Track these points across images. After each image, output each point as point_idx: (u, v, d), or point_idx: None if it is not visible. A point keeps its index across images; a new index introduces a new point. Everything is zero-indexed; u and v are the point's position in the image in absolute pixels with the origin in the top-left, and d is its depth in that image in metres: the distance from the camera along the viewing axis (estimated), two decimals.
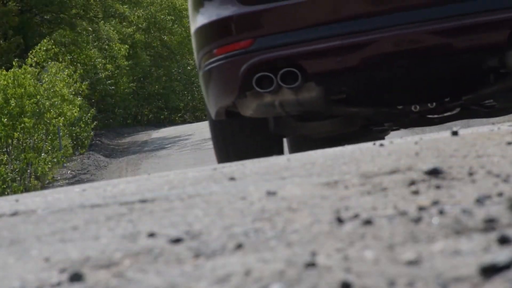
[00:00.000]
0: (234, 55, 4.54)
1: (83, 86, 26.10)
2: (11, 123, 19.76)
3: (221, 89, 4.59)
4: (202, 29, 4.64)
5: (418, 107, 4.73)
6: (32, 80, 20.31)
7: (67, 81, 24.25)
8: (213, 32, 4.55)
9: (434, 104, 4.56)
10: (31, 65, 22.73)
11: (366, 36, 4.15)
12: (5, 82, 19.84)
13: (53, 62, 25.20)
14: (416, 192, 3.33)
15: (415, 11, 4.04)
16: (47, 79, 22.10)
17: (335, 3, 4.15)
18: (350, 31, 4.16)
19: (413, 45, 4.08)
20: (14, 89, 19.73)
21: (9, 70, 20.40)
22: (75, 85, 26.14)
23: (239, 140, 4.57)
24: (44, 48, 25.63)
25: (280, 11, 4.28)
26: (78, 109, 24.18)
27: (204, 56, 4.79)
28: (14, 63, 21.23)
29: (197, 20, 4.64)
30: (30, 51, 25.92)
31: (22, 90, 19.78)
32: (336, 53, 4.25)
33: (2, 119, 19.37)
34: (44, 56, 25.13)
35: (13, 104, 19.57)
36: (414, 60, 4.18)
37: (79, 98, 25.34)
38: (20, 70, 20.33)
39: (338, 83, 4.29)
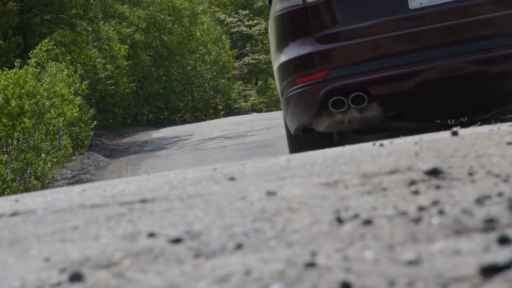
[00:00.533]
0: (313, 83, 5.57)
1: (82, 86, 26.09)
2: (11, 123, 19.76)
3: (301, 110, 5.61)
4: (286, 64, 5.71)
5: (453, 121, 5.74)
6: (32, 80, 20.32)
7: (66, 81, 24.25)
8: (296, 66, 5.62)
9: (466, 118, 5.56)
10: (28, 64, 22.75)
11: (418, 66, 5.29)
12: (6, 82, 19.85)
13: (53, 63, 25.20)
14: (416, 192, 3.33)
15: (455, 46, 5.20)
16: (47, 80, 22.10)
17: (394, 41, 5.31)
18: (406, 62, 5.28)
19: (454, 73, 5.21)
20: (14, 89, 19.74)
21: (10, 70, 20.39)
22: (75, 85, 26.13)
23: (309, 150, 5.38)
24: (44, 49, 25.65)
25: (350, 48, 5.37)
26: (77, 109, 24.17)
27: (287, 85, 5.80)
28: (16, 64, 21.23)
29: (281, 57, 5.72)
30: (31, 51, 25.93)
31: (22, 90, 19.79)
32: (395, 80, 5.35)
33: (2, 119, 19.37)
34: (45, 57, 25.15)
35: (13, 104, 19.58)
36: (454, 84, 5.24)
37: (79, 98, 25.33)
38: (21, 71, 20.34)
39: (394, 103, 5.32)
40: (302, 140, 6.13)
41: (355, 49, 5.50)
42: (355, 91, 5.44)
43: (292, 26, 5.64)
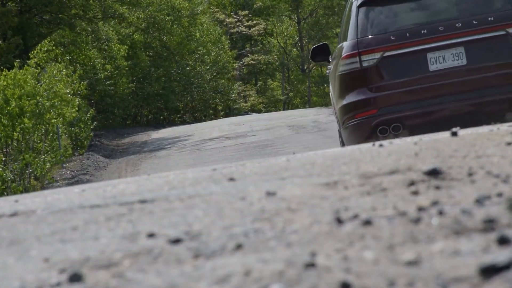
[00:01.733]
0: (367, 117, 8.01)
1: (82, 86, 26.09)
2: (10, 123, 19.76)
3: (358, 134, 8.02)
4: (347, 105, 8.12)
5: None
6: (32, 80, 20.31)
7: (65, 81, 24.24)
8: (355, 106, 8.03)
9: None
10: (28, 64, 22.74)
11: (434, 107, 7.81)
12: (5, 83, 19.85)
13: (53, 63, 25.19)
14: (415, 193, 3.33)
15: (458, 95, 7.74)
16: (46, 80, 22.09)
17: (419, 91, 7.79)
18: (427, 105, 7.81)
19: (458, 112, 7.75)
20: (13, 90, 19.74)
21: (10, 71, 20.39)
22: (74, 85, 26.13)
23: None
24: (44, 49, 25.64)
25: (391, 95, 7.91)
26: (76, 108, 24.15)
27: (347, 118, 8.18)
28: (15, 64, 21.23)
29: (344, 101, 8.15)
30: (31, 52, 25.91)
31: (22, 90, 19.78)
32: (419, 116, 7.82)
33: (2, 120, 19.37)
34: (45, 57, 25.15)
35: (13, 105, 19.57)
36: (458, 119, 7.46)
37: (78, 98, 25.31)
38: (21, 71, 20.34)
39: (418, 130, 7.20)
40: None
41: (394, 96, 8.04)
42: (395, 123, 7.98)
43: (353, 81, 8.11)
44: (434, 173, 3.69)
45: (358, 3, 8.14)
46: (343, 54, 8.14)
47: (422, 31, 7.91)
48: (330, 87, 9.45)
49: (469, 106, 7.84)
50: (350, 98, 8.13)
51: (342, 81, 8.22)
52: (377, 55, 7.93)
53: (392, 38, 7.95)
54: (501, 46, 7.76)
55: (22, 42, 31.39)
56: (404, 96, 7.99)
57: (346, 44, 8.16)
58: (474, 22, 7.80)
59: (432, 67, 8.00)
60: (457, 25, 7.86)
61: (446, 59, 7.86)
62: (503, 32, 7.74)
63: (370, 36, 8.03)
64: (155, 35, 48.57)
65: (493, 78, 7.85)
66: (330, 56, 9.53)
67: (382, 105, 8.02)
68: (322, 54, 9.50)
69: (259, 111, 58.46)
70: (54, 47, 26.58)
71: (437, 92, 7.94)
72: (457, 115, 7.83)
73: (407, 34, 7.96)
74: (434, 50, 7.93)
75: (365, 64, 7.97)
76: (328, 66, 9.71)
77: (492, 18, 7.81)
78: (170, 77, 48.97)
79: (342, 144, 8.96)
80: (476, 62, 7.88)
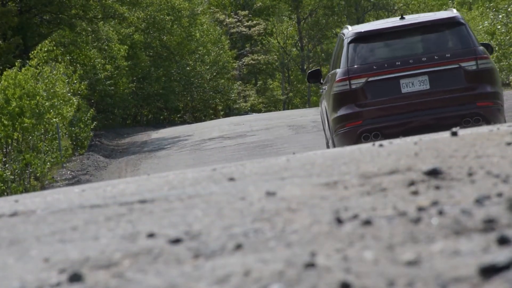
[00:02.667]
0: (354, 127, 9.97)
1: (82, 86, 26.07)
2: (11, 123, 19.75)
3: (347, 140, 9.87)
4: (339, 117, 10.07)
5: None
6: (32, 80, 20.31)
7: (64, 80, 24.23)
8: (345, 118, 10.01)
9: None
10: (29, 64, 22.73)
11: (404, 120, 9.80)
12: (6, 83, 19.84)
13: (53, 63, 25.18)
14: (415, 193, 3.33)
15: (424, 111, 9.78)
16: (46, 80, 22.09)
17: (393, 108, 9.76)
18: (400, 119, 9.73)
19: (426, 123, 9.72)
20: (14, 90, 19.73)
21: (11, 70, 20.39)
22: (74, 84, 26.13)
23: None
24: (45, 49, 25.64)
25: (372, 111, 9.86)
26: (75, 107, 24.14)
27: (339, 127, 10.14)
28: (16, 64, 21.21)
29: (336, 114, 10.10)
30: (31, 52, 25.90)
31: (22, 90, 19.77)
32: (394, 127, 9.77)
33: (2, 119, 19.37)
34: (45, 57, 25.13)
35: (13, 104, 19.57)
36: (424, 129, 9.12)
37: (78, 98, 25.32)
38: (22, 71, 20.35)
39: (393, 137, 8.11)
40: None
41: (375, 111, 10.04)
42: (375, 131, 10.00)
43: (344, 98, 10.15)
44: (434, 173, 3.69)
45: (348, 41, 10.35)
46: (337, 78, 10.30)
47: (397, 63, 10.18)
48: (323, 104, 11.65)
49: (431, 120, 10.04)
50: (342, 112, 10.23)
51: (335, 98, 10.35)
52: (363, 80, 10.16)
53: (374, 67, 10.18)
54: (455, 76, 10.07)
55: (22, 42, 31.38)
56: (382, 111, 10.15)
57: (339, 71, 10.35)
58: (435, 57, 10.13)
59: (404, 90, 10.21)
60: (422, 59, 10.13)
61: (414, 84, 10.17)
62: (457, 66, 10.07)
63: (357, 66, 10.22)
64: (155, 35, 48.57)
65: (449, 99, 10.06)
66: (322, 80, 12.06)
67: (366, 117, 10.15)
68: (316, 77, 12.06)
69: (259, 111, 58.45)
70: (54, 47, 26.58)
71: (407, 109, 10.12)
72: (422, 126, 9.90)
73: (385, 65, 10.20)
74: (405, 78, 10.17)
75: (353, 86, 10.18)
76: (322, 87, 11.85)
77: (449, 55, 10.12)
78: (170, 77, 48.96)
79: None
80: (436, 87, 10.10)
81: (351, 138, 9.92)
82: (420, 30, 10.33)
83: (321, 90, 12.11)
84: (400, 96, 10.04)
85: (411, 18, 10.76)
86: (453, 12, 10.55)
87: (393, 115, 9.99)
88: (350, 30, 10.52)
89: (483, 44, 10.57)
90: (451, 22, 10.27)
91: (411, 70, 10.03)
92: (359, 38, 10.28)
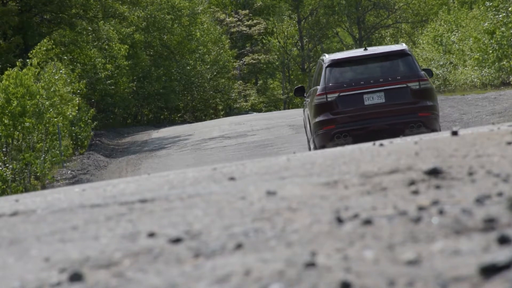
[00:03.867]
0: (329, 129, 12.75)
1: (81, 85, 26.05)
2: (11, 122, 19.74)
3: (323, 139, 12.84)
4: (318, 122, 12.83)
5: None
6: (32, 80, 20.30)
7: (64, 80, 24.21)
8: (323, 123, 12.81)
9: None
10: (31, 64, 22.70)
11: (366, 125, 12.76)
12: (7, 82, 19.82)
13: (53, 62, 25.15)
14: (415, 192, 3.33)
15: (381, 119, 12.77)
16: (46, 79, 22.07)
17: (358, 116, 12.68)
18: (362, 124, 12.71)
19: (382, 128, 12.76)
20: (16, 89, 19.72)
21: (12, 70, 20.37)
22: (73, 84, 26.10)
23: None
24: (44, 48, 25.60)
25: (342, 118, 12.69)
26: (76, 108, 24.12)
27: (318, 129, 12.92)
28: (17, 63, 21.18)
29: (316, 120, 12.90)
30: (30, 51, 25.86)
31: (24, 90, 19.77)
32: (358, 130, 12.69)
33: (3, 119, 19.35)
34: (44, 57, 25.09)
35: (14, 104, 19.56)
36: (381, 132, 12.42)
37: (78, 97, 25.30)
38: (24, 71, 20.33)
39: (357, 138, 11.93)
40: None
41: (344, 118, 12.87)
42: (344, 133, 12.86)
43: (321, 108, 13.04)
44: (434, 172, 3.69)
45: (326, 65, 13.46)
46: (317, 93, 13.30)
47: (361, 82, 13.17)
48: (305, 112, 14.82)
49: (385, 125, 13.01)
50: (320, 118, 13.16)
51: (315, 108, 13.29)
52: (336, 95, 13.17)
53: (344, 85, 13.20)
54: (403, 93, 13.13)
55: (22, 41, 31.38)
56: (350, 118, 13.03)
57: (319, 88, 13.38)
58: (389, 79, 13.18)
59: (366, 103, 13.15)
60: (380, 80, 13.18)
61: (374, 98, 13.17)
62: (405, 85, 13.16)
63: (331, 84, 13.25)
64: (156, 35, 48.57)
65: (398, 110, 13.03)
66: (305, 93, 15.03)
67: (338, 123, 13.02)
68: (300, 92, 15.07)
69: (259, 111, 58.45)
70: (54, 46, 26.56)
71: (368, 117, 13.04)
72: (379, 130, 12.94)
73: (352, 84, 13.19)
74: (367, 93, 13.14)
75: (329, 99, 13.16)
76: (305, 99, 14.96)
77: (399, 77, 13.21)
78: (171, 76, 48.96)
79: (309, 148, 14.55)
80: (390, 101, 13.10)
81: (327, 138, 13.08)
82: (379, 58, 13.58)
83: (304, 102, 15.25)
84: (363, 107, 13.10)
85: (372, 49, 14.04)
86: (402, 46, 13.96)
87: (358, 121, 13.05)
88: (327, 58, 13.71)
89: (424, 69, 13.86)
90: (401, 53, 13.57)
91: (371, 88, 13.15)
92: (334, 63, 13.47)
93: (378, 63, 13.40)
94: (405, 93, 12.92)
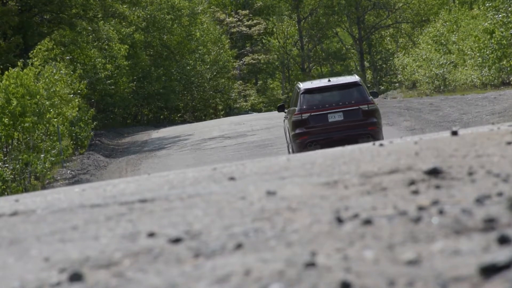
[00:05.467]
0: (303, 139, 16.83)
1: (82, 86, 26.04)
2: (11, 122, 19.74)
3: (299, 147, 16.99)
4: (295, 134, 16.96)
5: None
6: (33, 80, 20.29)
7: (65, 80, 24.19)
8: (299, 135, 16.93)
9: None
10: (32, 64, 22.68)
11: (330, 137, 16.87)
12: (7, 82, 19.82)
13: (53, 62, 25.12)
14: (415, 192, 3.33)
15: (341, 132, 16.95)
16: (46, 79, 22.06)
17: (323, 130, 16.95)
18: (327, 136, 16.84)
19: (341, 138, 16.64)
20: (16, 89, 19.71)
21: (13, 70, 20.36)
22: (74, 84, 26.09)
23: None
24: (44, 48, 25.59)
25: (313, 131, 16.89)
26: (76, 108, 24.11)
27: (295, 139, 16.99)
28: (18, 64, 21.16)
29: (294, 132, 17.02)
30: (31, 51, 25.84)
31: (24, 90, 19.76)
32: (324, 140, 16.75)
33: (3, 119, 19.35)
34: (44, 57, 25.07)
35: (14, 104, 19.55)
36: (342, 142, 15.79)
37: (78, 98, 25.28)
38: (25, 71, 20.33)
39: (324, 145, 15.64)
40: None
41: (314, 131, 16.77)
42: (314, 143, 16.58)
43: (297, 124, 16.84)
44: (434, 172, 3.69)
45: (301, 92, 17.44)
46: (295, 113, 17.20)
47: (326, 105, 17.20)
48: (285, 124, 19.05)
49: (344, 136, 16.78)
50: (297, 131, 17.04)
51: (293, 124, 17.21)
52: (308, 114, 17.11)
53: (314, 107, 17.19)
54: (356, 113, 17.08)
55: (22, 41, 31.37)
56: (318, 131, 16.90)
57: (296, 108, 17.23)
58: (346, 102, 17.28)
59: (330, 120, 17.03)
60: (340, 103, 17.26)
61: (335, 117, 17.09)
62: (357, 107, 17.09)
63: (305, 106, 17.22)
64: (155, 35, 48.57)
65: (353, 126, 16.89)
66: (285, 110, 19.10)
67: (309, 135, 16.90)
68: (282, 108, 19.11)
69: (259, 111, 58.42)
70: (54, 46, 26.55)
71: (331, 130, 16.94)
72: (339, 140, 16.50)
73: (320, 106, 17.19)
74: (330, 113, 17.11)
75: (303, 117, 17.05)
76: (286, 115, 18.93)
77: (353, 101, 17.30)
78: (171, 76, 48.96)
79: (288, 152, 18.44)
80: (347, 119, 16.94)
81: (302, 145, 16.92)
82: (338, 88, 17.74)
83: (284, 117, 19.54)
84: (327, 123, 17.08)
85: (334, 81, 18.13)
86: (356, 78, 18.13)
87: (324, 133, 16.99)
88: (302, 86, 17.84)
89: (371, 92, 18.29)
90: (355, 84, 17.78)
91: (334, 109, 17.22)
92: (307, 91, 17.56)
93: (338, 91, 17.73)
94: (358, 113, 17.19)
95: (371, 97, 17.57)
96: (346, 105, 17.18)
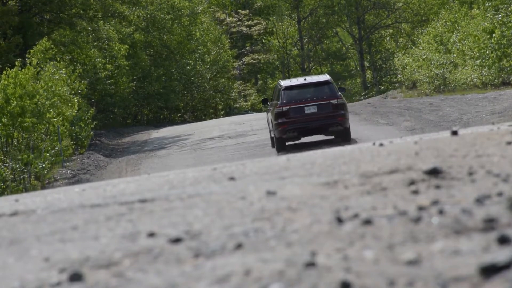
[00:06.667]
0: (284, 128, 20.33)
1: (82, 86, 26.03)
2: (11, 122, 19.75)
3: (280, 133, 20.44)
4: (277, 123, 20.37)
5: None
6: (32, 80, 20.29)
7: (65, 80, 24.19)
8: (280, 123, 20.31)
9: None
10: (30, 64, 22.67)
11: (306, 125, 20.43)
12: (6, 82, 19.81)
13: (52, 62, 25.11)
14: (415, 192, 3.34)
15: (316, 121, 20.51)
16: (46, 79, 22.05)
17: (301, 120, 20.46)
18: (304, 125, 20.40)
19: (315, 127, 20.49)
20: (15, 89, 19.72)
21: (11, 70, 20.34)
22: (74, 84, 26.08)
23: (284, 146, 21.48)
24: (42, 48, 25.55)
25: (292, 121, 20.26)
26: (76, 108, 24.11)
27: (277, 127, 20.47)
28: (17, 63, 21.16)
29: (277, 122, 20.40)
30: (28, 51, 25.80)
31: (23, 90, 19.76)
32: (301, 128, 20.43)
33: (2, 119, 19.35)
34: (43, 56, 25.05)
35: (13, 104, 19.55)
36: (316, 130, 20.67)
37: (78, 97, 25.26)
38: (23, 70, 20.32)
39: (302, 133, 20.47)
40: (280, 142, 20.87)
41: (293, 121, 20.18)
42: (293, 130, 20.20)
43: (279, 115, 20.38)
44: (434, 172, 3.69)
45: (282, 89, 20.63)
46: (277, 105, 20.32)
47: (303, 100, 20.28)
48: (269, 115, 21.94)
49: (317, 125, 20.04)
50: (279, 121, 20.05)
51: (276, 115, 20.26)
52: (288, 107, 20.15)
53: (292, 101, 20.33)
54: (328, 106, 20.17)
55: (22, 41, 31.36)
56: (296, 121, 19.97)
57: (278, 102, 20.40)
58: (319, 97, 20.27)
59: (306, 112, 20.16)
60: (314, 98, 20.32)
61: (310, 109, 20.17)
62: (328, 102, 20.23)
63: (285, 100, 20.33)
64: (155, 34, 48.56)
65: (325, 117, 20.05)
66: (269, 104, 22.42)
67: (289, 124, 19.93)
68: (265, 102, 22.96)
69: (259, 110, 58.40)
70: (52, 45, 26.54)
71: (307, 120, 20.03)
72: (313, 128, 20.08)
73: (298, 100, 20.34)
74: (306, 106, 20.18)
75: (284, 109, 20.10)
76: (269, 107, 22.14)
77: (325, 97, 20.31)
78: (171, 76, 48.95)
79: (272, 140, 21.69)
80: (320, 111, 20.04)
81: (283, 132, 20.14)
82: (313, 85, 21.03)
83: (268, 109, 22.48)
84: (304, 114, 20.25)
85: (309, 79, 21.57)
86: (327, 77, 21.58)
87: (301, 122, 20.13)
88: (282, 84, 21.13)
89: (340, 89, 21.84)
90: (327, 82, 21.07)
91: (309, 103, 20.42)
92: (287, 88, 20.82)
93: (313, 88, 21.03)
94: (329, 106, 20.36)
95: (339, 93, 20.89)
96: (319, 100, 20.48)
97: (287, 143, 20.80)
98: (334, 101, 20.48)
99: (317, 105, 20.35)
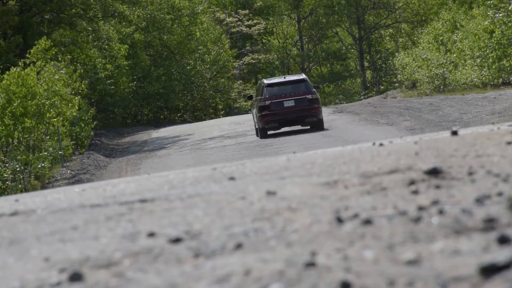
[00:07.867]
0: (266, 119, 23.98)
1: (82, 86, 26.01)
2: (12, 122, 19.73)
3: (263, 124, 24.04)
4: (261, 115, 24.03)
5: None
6: (33, 80, 20.28)
7: (65, 79, 24.18)
8: (263, 115, 23.96)
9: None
10: (34, 63, 22.66)
11: (285, 116, 24.03)
12: (8, 82, 19.79)
13: (52, 62, 25.09)
14: (415, 192, 3.34)
15: (293, 113, 24.00)
16: (46, 79, 22.03)
17: (280, 113, 24.10)
18: (284, 117, 24.02)
19: (293, 118, 24.00)
20: (18, 89, 19.69)
21: (14, 70, 20.33)
22: (74, 84, 26.06)
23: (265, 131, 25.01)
24: (41, 48, 25.52)
25: (273, 114, 24.01)
26: (76, 108, 24.10)
27: (260, 119, 24.12)
28: (20, 63, 21.12)
29: (261, 114, 24.04)
30: (28, 51, 25.76)
31: (26, 90, 19.74)
32: (281, 119, 24.04)
33: (4, 119, 19.33)
34: (42, 56, 25.04)
35: (15, 104, 19.53)
36: (294, 121, 24.21)
37: (78, 97, 25.23)
38: (26, 70, 20.29)
39: (281, 124, 24.17)
40: (263, 131, 24.40)
41: (274, 113, 23.82)
42: (275, 121, 23.88)
43: (262, 108, 23.98)
44: (434, 172, 3.69)
45: (265, 85, 24.36)
46: (260, 100, 23.89)
47: (282, 95, 23.83)
48: (254, 109, 25.08)
49: (295, 117, 23.50)
50: (262, 113, 23.50)
51: (259, 108, 23.65)
52: (270, 101, 23.68)
53: (274, 96, 23.84)
54: (304, 101, 23.76)
55: (22, 41, 31.35)
56: (277, 113, 23.46)
57: (261, 97, 23.81)
58: (297, 93, 23.97)
59: (285, 105, 23.63)
60: (292, 94, 23.94)
61: (289, 103, 23.64)
62: (304, 97, 23.85)
63: (267, 96, 23.86)
64: (155, 34, 48.56)
65: (301, 109, 23.54)
66: (253, 98, 25.60)
67: (271, 115, 23.43)
68: (250, 98, 26.08)
69: None
70: (51, 45, 26.53)
71: (286, 113, 23.46)
72: (292, 120, 23.52)
73: (278, 95, 23.80)
74: (286, 101, 23.72)
75: (266, 103, 23.63)
76: (254, 102, 25.27)
77: (301, 92, 24.02)
78: (171, 76, 48.94)
79: (256, 130, 24.93)
80: (297, 105, 23.60)
81: (266, 123, 23.18)
82: (291, 82, 24.31)
83: (253, 104, 25.60)
84: (283, 108, 23.45)
85: (289, 77, 25.28)
86: (303, 76, 25.12)
87: (281, 114, 23.29)
88: (265, 81, 24.64)
89: (314, 86, 25.23)
90: (303, 80, 24.44)
91: (288, 98, 23.70)
92: (269, 85, 24.19)
93: (291, 85, 24.25)
94: (305, 101, 23.64)
95: (314, 89, 24.55)
96: (297, 95, 23.82)
97: (268, 132, 24.08)
98: (309, 96, 23.83)
99: (295, 100, 23.74)
